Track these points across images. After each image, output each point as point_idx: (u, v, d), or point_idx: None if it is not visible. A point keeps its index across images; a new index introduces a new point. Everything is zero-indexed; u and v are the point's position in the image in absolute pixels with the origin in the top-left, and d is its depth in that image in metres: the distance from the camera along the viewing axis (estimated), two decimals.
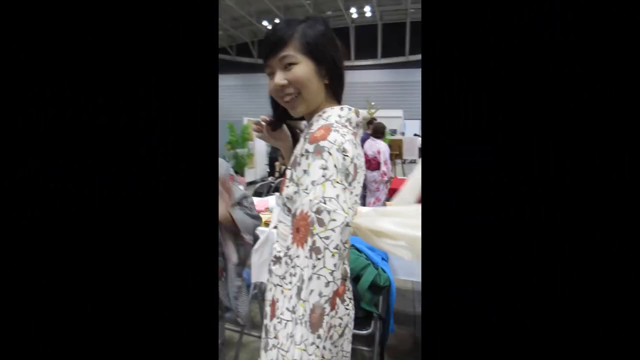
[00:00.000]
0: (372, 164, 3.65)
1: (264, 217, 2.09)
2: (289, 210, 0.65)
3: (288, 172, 0.67)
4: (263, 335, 0.65)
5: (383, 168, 3.62)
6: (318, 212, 0.56)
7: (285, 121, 0.80)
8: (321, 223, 0.56)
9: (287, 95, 0.66)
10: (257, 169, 7.45)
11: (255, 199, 2.62)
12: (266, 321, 0.66)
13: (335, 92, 0.71)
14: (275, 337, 0.57)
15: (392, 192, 3.34)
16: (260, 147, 7.41)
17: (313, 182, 0.58)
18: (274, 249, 0.70)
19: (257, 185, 4.12)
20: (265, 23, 13.75)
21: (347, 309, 0.70)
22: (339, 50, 0.69)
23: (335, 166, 0.58)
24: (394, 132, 8.89)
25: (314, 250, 0.56)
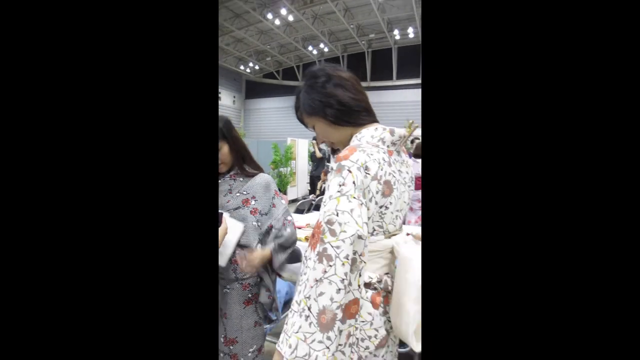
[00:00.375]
0: (416, 183, 3.63)
1: (305, 232, 2.18)
2: None
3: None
4: None
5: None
6: (330, 222, 0.62)
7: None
8: (332, 233, 0.61)
9: (331, 145, 0.81)
10: (299, 187, 7.64)
11: (297, 216, 2.72)
12: None
13: (351, 121, 0.75)
14: (286, 323, 0.64)
15: None
16: (302, 166, 7.62)
17: (330, 197, 0.64)
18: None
19: (299, 202, 4.24)
20: (310, 48, 14.35)
21: (389, 320, 0.72)
22: (337, 87, 0.74)
23: (353, 183, 0.63)
24: None
25: (326, 256, 0.61)
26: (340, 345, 0.66)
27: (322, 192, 4.73)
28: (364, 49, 14.66)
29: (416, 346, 0.67)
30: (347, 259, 0.61)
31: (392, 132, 0.73)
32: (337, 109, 0.74)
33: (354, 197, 0.63)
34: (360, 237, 0.62)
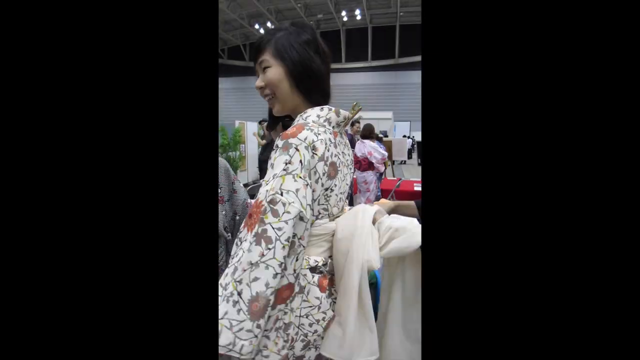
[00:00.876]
0: (362, 165, 3.74)
1: None
2: None
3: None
4: None
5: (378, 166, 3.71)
6: (273, 202, 0.57)
7: (279, 121, 0.86)
8: (275, 213, 0.57)
9: (266, 96, 0.74)
10: (249, 171, 7.49)
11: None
12: None
13: (309, 94, 0.73)
14: None
15: (384, 194, 3.41)
16: (252, 150, 7.44)
17: (274, 175, 0.60)
18: None
19: (249, 187, 4.17)
20: (257, 26, 13.78)
21: (334, 302, 0.71)
22: (316, 54, 0.72)
23: (300, 162, 0.60)
24: (384, 133, 9.02)
25: (265, 238, 0.56)
26: (266, 330, 0.62)
27: None
28: None
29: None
30: (288, 242, 0.58)
31: (337, 113, 0.72)
32: (307, 75, 0.71)
33: (300, 177, 0.60)
34: (302, 218, 0.59)
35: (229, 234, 1.27)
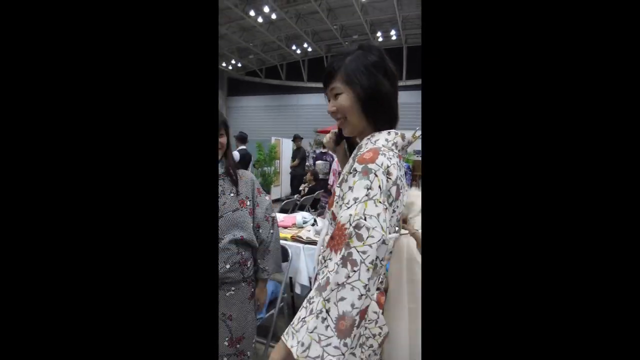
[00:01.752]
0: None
1: (291, 232, 2.19)
2: None
3: (337, 190, 0.74)
4: None
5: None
6: (357, 227, 0.61)
7: (345, 139, 0.90)
8: (359, 238, 0.61)
9: (338, 120, 0.79)
10: (282, 186, 7.61)
11: (282, 215, 2.72)
12: None
13: (377, 117, 0.76)
14: (298, 318, 0.64)
15: None
16: (286, 166, 7.59)
17: (356, 199, 0.64)
18: (319, 258, 0.78)
19: (283, 202, 4.24)
20: (294, 47, 14.29)
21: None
22: (384, 77, 0.75)
23: (379, 187, 0.64)
24: (418, 153, 8.88)
25: (350, 261, 0.60)
26: (352, 347, 0.65)
27: (308, 192, 4.74)
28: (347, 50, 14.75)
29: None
30: (372, 265, 0.61)
31: (402, 138, 0.76)
32: (375, 99, 0.74)
33: (380, 202, 0.64)
34: (384, 242, 0.63)
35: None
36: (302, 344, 0.60)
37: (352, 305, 0.60)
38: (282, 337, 0.64)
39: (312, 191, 4.64)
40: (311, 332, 0.59)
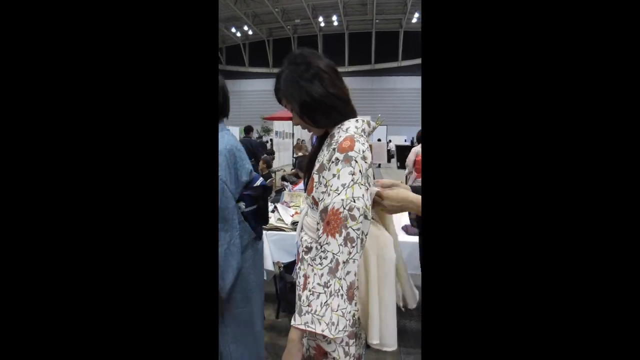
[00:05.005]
0: None
1: None
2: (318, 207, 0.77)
3: (315, 176, 0.79)
4: (297, 302, 0.77)
5: None
6: (350, 209, 0.70)
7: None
8: (353, 218, 0.69)
9: (306, 128, 0.85)
10: None
11: None
12: (299, 292, 0.79)
13: (325, 118, 0.81)
14: (309, 305, 0.68)
15: None
16: None
17: (344, 185, 0.71)
18: (303, 241, 0.82)
19: None
20: (233, 30, 13.67)
21: None
22: (315, 80, 0.78)
23: (360, 171, 0.72)
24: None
25: (349, 240, 0.70)
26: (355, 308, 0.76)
27: (266, 178, 4.68)
28: (289, 34, 14.51)
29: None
30: (365, 236, 0.72)
31: (368, 124, 0.83)
32: (312, 107, 0.79)
33: (362, 184, 0.72)
34: (366, 217, 0.72)
35: None
36: (333, 324, 0.67)
37: (355, 274, 0.70)
38: (306, 327, 0.68)
39: (266, 179, 4.61)
40: (336, 311, 0.68)
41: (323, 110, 0.80)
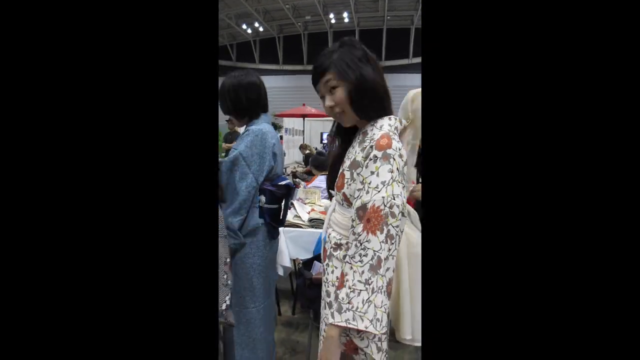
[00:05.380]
0: None
1: None
2: (350, 204, 0.78)
3: (347, 173, 0.79)
4: (333, 300, 0.77)
5: None
6: (391, 207, 0.71)
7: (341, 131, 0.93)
8: (393, 215, 0.71)
9: (336, 114, 0.82)
10: None
11: None
12: (327, 288, 0.80)
13: (370, 106, 0.80)
14: (349, 303, 0.68)
15: None
16: None
17: (384, 183, 0.71)
18: (331, 237, 0.82)
19: None
20: (244, 26, 13.68)
21: None
22: (368, 65, 0.79)
23: (397, 169, 0.73)
24: None
25: (390, 237, 0.70)
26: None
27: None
28: (300, 31, 14.47)
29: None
30: (402, 233, 0.74)
31: (400, 122, 0.83)
32: (366, 90, 0.78)
33: (399, 182, 0.73)
34: (403, 215, 0.74)
35: None
36: (378, 320, 0.68)
37: (393, 270, 0.73)
38: (347, 324, 0.68)
39: None
40: (380, 307, 0.69)
41: (372, 97, 0.79)
